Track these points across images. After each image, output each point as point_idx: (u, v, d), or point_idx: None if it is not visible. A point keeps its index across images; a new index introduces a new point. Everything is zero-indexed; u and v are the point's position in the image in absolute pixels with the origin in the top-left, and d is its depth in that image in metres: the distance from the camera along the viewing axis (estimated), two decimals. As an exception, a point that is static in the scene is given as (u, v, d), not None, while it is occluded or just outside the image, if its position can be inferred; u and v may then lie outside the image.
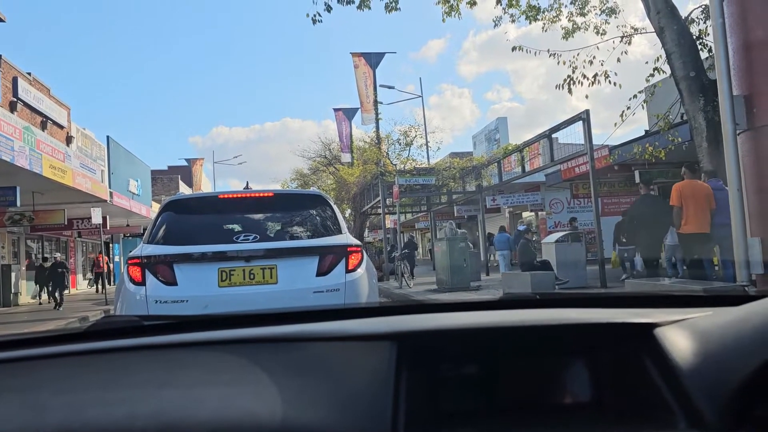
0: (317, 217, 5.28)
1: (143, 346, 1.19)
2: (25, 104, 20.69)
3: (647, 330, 1.10)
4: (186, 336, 1.23)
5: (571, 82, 10.61)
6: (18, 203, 13.47)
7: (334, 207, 5.42)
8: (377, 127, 20.99)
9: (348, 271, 4.85)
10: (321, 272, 4.78)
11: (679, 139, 10.45)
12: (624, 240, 12.91)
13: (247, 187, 6.68)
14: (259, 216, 5.23)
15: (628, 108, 11.00)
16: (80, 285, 27.30)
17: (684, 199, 8.28)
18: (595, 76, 10.62)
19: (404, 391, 1.02)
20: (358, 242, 5.19)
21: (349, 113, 27.62)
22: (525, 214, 25.48)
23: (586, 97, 11.69)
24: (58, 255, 19.71)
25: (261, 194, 5.53)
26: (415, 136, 31.28)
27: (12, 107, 19.61)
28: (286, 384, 1.04)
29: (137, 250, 4.81)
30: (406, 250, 18.48)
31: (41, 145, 14.38)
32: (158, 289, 4.53)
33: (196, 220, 5.14)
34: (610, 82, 10.62)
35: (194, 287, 4.57)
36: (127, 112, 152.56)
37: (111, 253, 32.13)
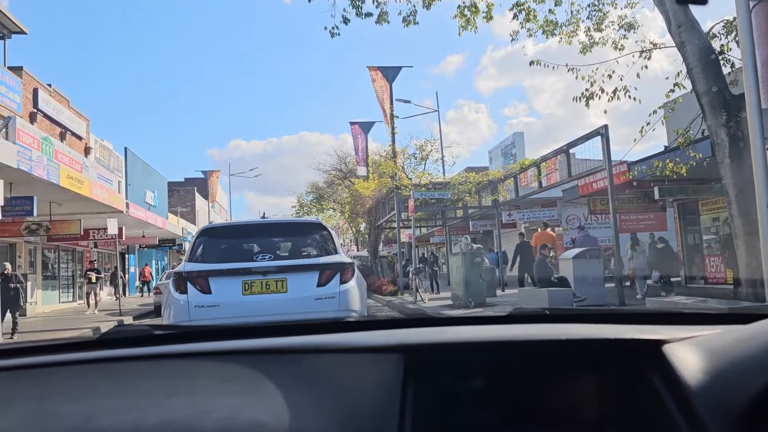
0: (318, 240, 6.52)
1: (153, 355, 1.19)
2: (45, 115, 20.92)
3: (655, 346, 1.10)
4: (195, 346, 1.23)
5: (590, 96, 10.45)
6: (35, 213, 13.53)
7: (332, 231, 6.69)
8: (393, 141, 20.90)
9: (342, 282, 6.05)
10: (321, 283, 5.98)
11: (700, 155, 10.26)
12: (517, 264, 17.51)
13: (263, 217, 7.84)
14: (272, 240, 6.59)
15: (648, 123, 10.84)
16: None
17: (537, 241, 15.89)
18: (614, 91, 10.46)
19: (411, 405, 1.01)
20: (350, 260, 6.43)
21: (365, 127, 27.61)
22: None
23: (605, 112, 11.58)
24: (8, 265, 13.70)
25: (274, 223, 7.20)
26: (431, 150, 31.26)
27: (32, 118, 19.83)
28: (293, 395, 1.03)
29: (180, 267, 6.20)
30: (422, 265, 18.36)
31: (59, 156, 14.49)
32: (197, 296, 5.74)
33: (224, 243, 6.43)
34: (629, 97, 10.44)
35: (224, 295, 5.78)
36: (146, 124, 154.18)
37: (126, 263, 32.30)
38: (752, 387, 0.91)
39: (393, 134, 20.70)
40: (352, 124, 28.04)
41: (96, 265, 21.40)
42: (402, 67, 21.32)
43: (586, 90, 10.49)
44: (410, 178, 21.33)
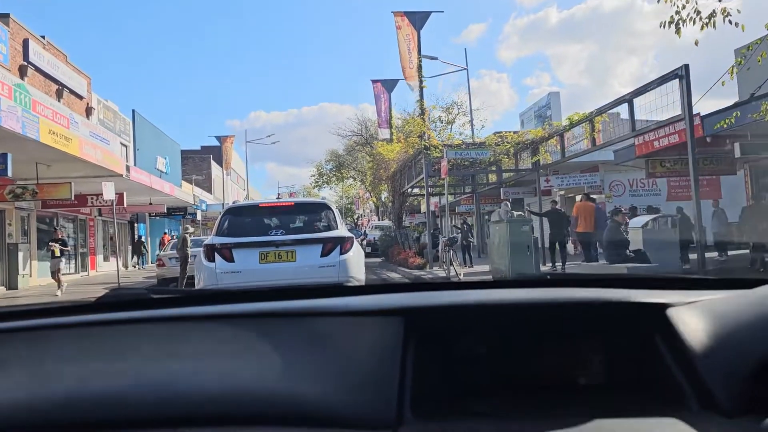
0: (323, 218, 7.63)
1: (150, 318, 1.18)
2: (38, 69, 19.05)
3: (660, 310, 1.07)
4: (193, 309, 1.21)
5: (680, 21, 8.32)
6: (9, 173, 11.68)
7: (335, 210, 7.84)
8: (421, 96, 18.69)
9: (341, 253, 7.06)
10: (324, 254, 7.02)
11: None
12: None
13: (278, 198, 8.30)
14: (284, 217, 7.66)
15: (740, 63, 9.09)
16: (100, 267, 25.83)
17: (578, 212, 14.14)
18: (710, 15, 8.31)
19: (411, 366, 1.01)
20: (349, 235, 7.40)
21: (389, 85, 25.42)
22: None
23: (696, 43, 9.38)
24: None
25: (286, 203, 8.52)
26: (458, 113, 29.02)
27: (22, 72, 17.96)
28: (293, 357, 1.02)
29: (209, 240, 7.29)
30: (457, 236, 16.46)
31: (38, 107, 12.58)
32: (223, 264, 6.85)
33: (245, 220, 7.59)
34: (730, 22, 8.29)
35: (244, 263, 6.90)
36: (168, 94, 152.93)
37: (136, 232, 30.69)
38: (757, 351, 0.90)
39: (421, 88, 18.44)
40: (374, 82, 25.85)
41: (61, 235, 16.87)
42: (431, 12, 18.99)
43: (676, 13, 8.39)
44: (439, 140, 19.21)
